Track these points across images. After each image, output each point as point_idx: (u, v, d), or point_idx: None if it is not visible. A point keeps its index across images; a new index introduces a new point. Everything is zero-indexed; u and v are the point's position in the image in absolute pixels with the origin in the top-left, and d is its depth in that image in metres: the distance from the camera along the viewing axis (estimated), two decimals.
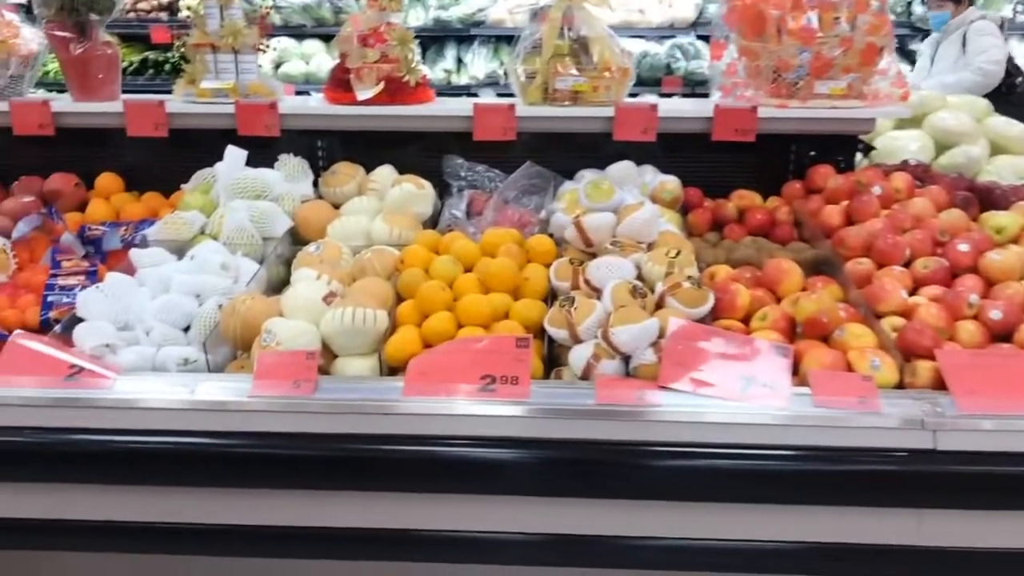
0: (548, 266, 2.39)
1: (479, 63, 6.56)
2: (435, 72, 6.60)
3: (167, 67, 6.77)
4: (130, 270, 2.48)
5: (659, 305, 2.16)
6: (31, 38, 3.08)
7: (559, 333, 2.10)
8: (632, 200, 2.55)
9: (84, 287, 2.33)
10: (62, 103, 2.99)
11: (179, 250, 2.60)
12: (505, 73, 6.59)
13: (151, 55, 6.88)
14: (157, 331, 2.18)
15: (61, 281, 2.33)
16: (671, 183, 2.78)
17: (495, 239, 2.43)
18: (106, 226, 2.69)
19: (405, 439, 1.92)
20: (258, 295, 2.21)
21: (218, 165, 2.81)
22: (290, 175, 2.88)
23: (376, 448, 1.93)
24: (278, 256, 2.62)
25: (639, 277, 2.26)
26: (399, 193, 2.70)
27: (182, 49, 6.81)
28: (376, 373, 2.13)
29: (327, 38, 6.83)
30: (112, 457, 1.97)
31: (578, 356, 2.05)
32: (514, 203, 2.79)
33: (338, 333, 2.10)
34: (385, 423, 1.93)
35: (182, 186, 2.97)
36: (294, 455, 1.95)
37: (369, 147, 3.08)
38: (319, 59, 6.69)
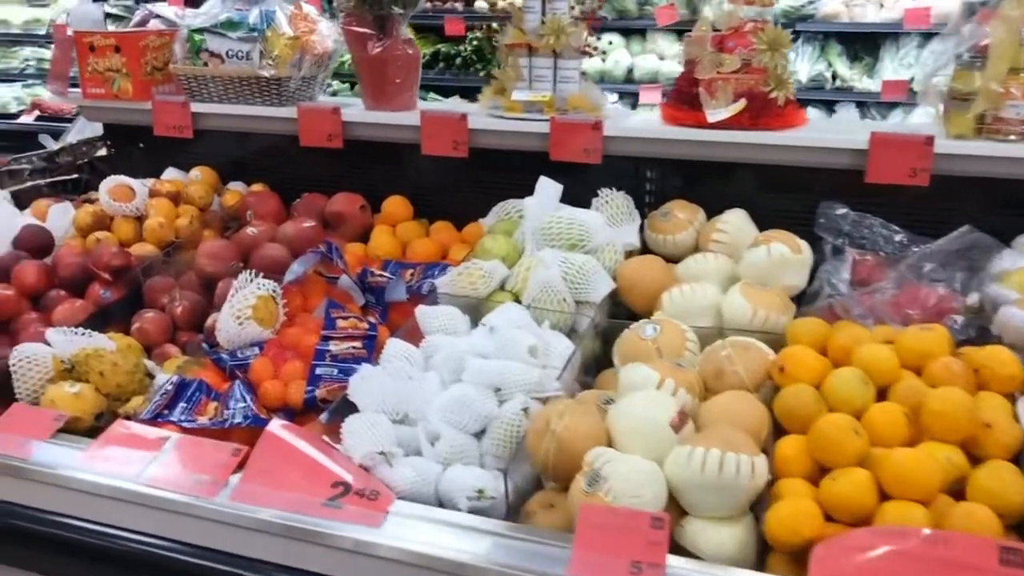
0: (1011, 398, 1.56)
1: (803, 64, 5.60)
2: None
3: (458, 61, 6.47)
4: (414, 332, 1.96)
5: None
6: (327, 34, 2.68)
7: None
8: None
9: (359, 358, 1.84)
10: (353, 111, 2.56)
11: (473, 307, 2.05)
12: (833, 75, 5.59)
13: (443, 48, 6.60)
14: (445, 440, 1.62)
15: (334, 347, 1.84)
16: None
17: (920, 344, 1.64)
18: (389, 269, 2.20)
19: None
20: (578, 407, 1.58)
21: (527, 201, 2.23)
22: (613, 217, 2.24)
23: None
24: (595, 327, 1.99)
25: None
26: (765, 257, 1.96)
27: (475, 42, 6.36)
28: (745, 549, 1.42)
29: (627, 32, 6.20)
30: None
31: None
32: (928, 277, 1.96)
33: (695, 486, 1.42)
34: None
35: (481, 221, 2.43)
36: None
37: (712, 182, 2.37)
38: (618, 55, 6.07)
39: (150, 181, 2.66)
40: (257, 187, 2.73)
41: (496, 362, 1.73)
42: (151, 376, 1.93)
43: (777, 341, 1.82)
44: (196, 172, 2.74)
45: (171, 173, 2.78)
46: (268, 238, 2.39)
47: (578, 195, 2.30)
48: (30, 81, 7.01)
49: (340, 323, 1.90)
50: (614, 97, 5.76)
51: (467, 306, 2.06)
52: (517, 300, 2.07)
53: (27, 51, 7.18)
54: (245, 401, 1.74)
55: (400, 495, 1.54)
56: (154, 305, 2.25)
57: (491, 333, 1.84)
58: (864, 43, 5.73)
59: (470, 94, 6.01)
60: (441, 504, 1.56)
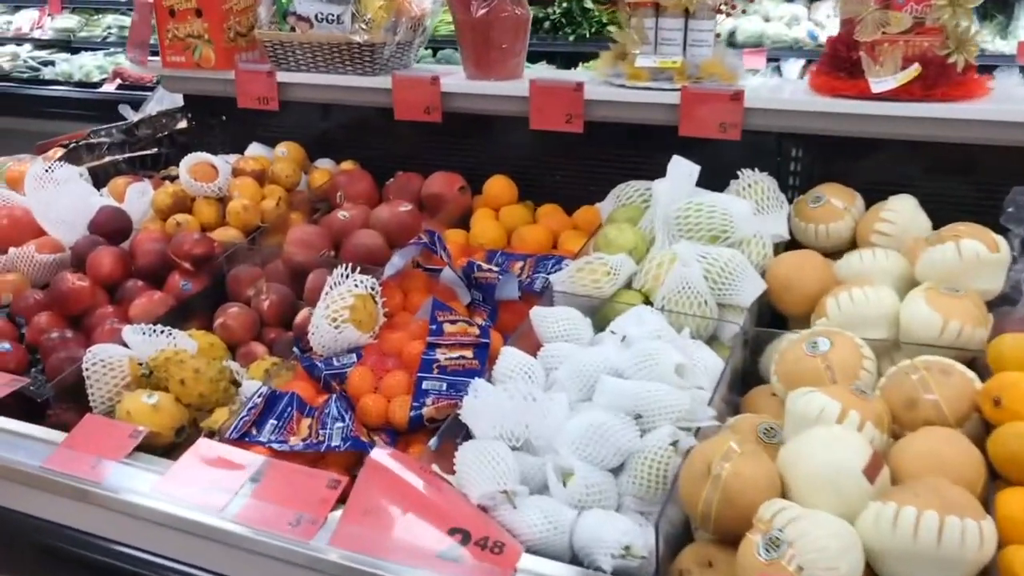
0: None
1: None
2: None
3: (546, 25, 6.13)
4: (527, 337, 1.70)
5: None
6: None
7: None
8: None
9: (471, 370, 1.59)
10: (453, 80, 2.29)
11: (592, 308, 1.79)
12: None
13: (530, 10, 6.28)
14: (579, 479, 1.35)
15: (441, 356, 1.60)
16: None
17: None
18: (496, 261, 1.94)
19: None
20: (747, 447, 1.29)
21: (657, 184, 1.93)
22: (758, 204, 1.93)
23: None
24: (745, 336, 1.69)
25: None
26: (955, 257, 1.63)
27: (564, 4, 5.96)
28: None
29: None
30: None
31: None
32: None
33: (903, 556, 1.13)
34: None
35: (597, 205, 2.15)
36: None
37: (869, 163, 2.04)
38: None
39: (233, 158, 2.45)
40: (347, 165, 2.50)
41: (636, 383, 1.45)
42: (236, 384, 1.71)
43: (972, 360, 1.51)
44: (282, 148, 2.52)
45: (255, 149, 2.57)
46: (361, 223, 2.15)
47: (708, 177, 2.00)
48: (112, 49, 6.93)
49: (448, 327, 1.64)
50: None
51: (586, 307, 1.79)
52: (647, 301, 1.79)
53: (110, 19, 7.11)
54: (343, 420, 1.51)
55: (527, 546, 1.29)
56: (238, 298, 2.04)
57: (624, 344, 1.57)
58: None
59: (556, 60, 5.70)
60: (574, 558, 1.31)
